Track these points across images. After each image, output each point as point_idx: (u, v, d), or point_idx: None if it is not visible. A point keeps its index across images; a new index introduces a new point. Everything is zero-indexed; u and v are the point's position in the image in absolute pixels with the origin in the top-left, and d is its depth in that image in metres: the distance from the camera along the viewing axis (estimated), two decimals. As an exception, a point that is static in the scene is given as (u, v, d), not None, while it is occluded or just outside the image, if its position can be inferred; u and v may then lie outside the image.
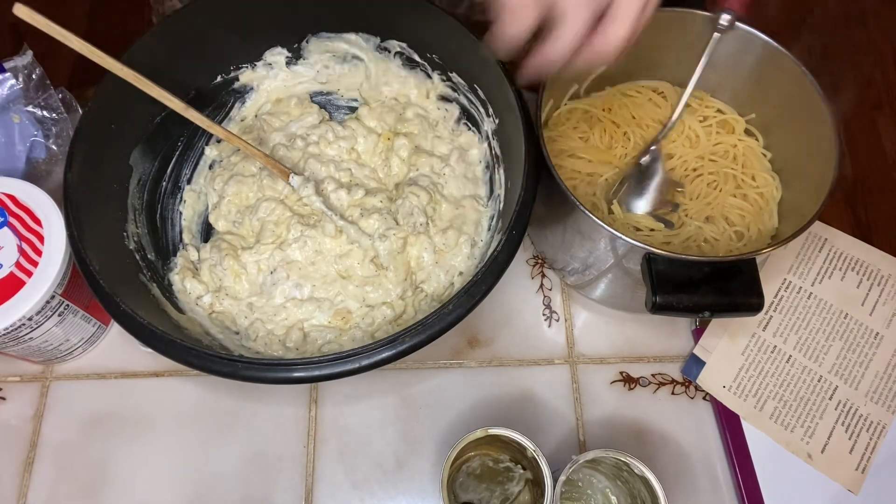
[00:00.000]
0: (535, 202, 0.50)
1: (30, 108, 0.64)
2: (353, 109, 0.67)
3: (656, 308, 0.47)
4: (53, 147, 0.64)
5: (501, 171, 0.60)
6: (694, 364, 0.59)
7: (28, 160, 0.63)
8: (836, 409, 0.57)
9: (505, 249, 0.48)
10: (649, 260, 0.48)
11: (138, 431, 0.57)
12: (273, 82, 0.67)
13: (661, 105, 0.63)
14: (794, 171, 0.58)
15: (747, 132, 0.62)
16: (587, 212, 0.48)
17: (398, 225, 0.58)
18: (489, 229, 0.60)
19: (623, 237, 0.48)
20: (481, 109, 0.61)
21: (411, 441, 0.57)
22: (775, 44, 0.55)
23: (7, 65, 0.63)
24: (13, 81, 0.63)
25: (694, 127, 0.61)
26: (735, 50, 0.58)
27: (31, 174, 0.63)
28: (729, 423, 0.57)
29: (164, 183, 0.62)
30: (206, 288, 0.57)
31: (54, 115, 0.65)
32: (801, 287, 0.62)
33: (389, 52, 0.64)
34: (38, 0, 0.46)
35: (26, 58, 0.64)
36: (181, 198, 0.63)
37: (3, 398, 0.58)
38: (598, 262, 0.54)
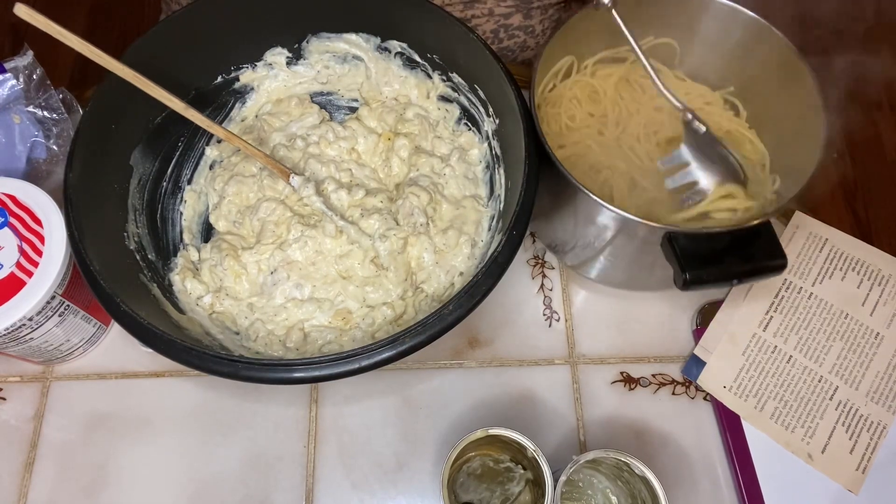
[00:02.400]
0: (542, 197, 0.50)
1: (30, 109, 0.64)
2: (354, 110, 0.67)
3: (688, 284, 0.47)
4: (54, 147, 0.64)
5: (502, 171, 0.60)
6: (694, 364, 0.59)
7: (29, 160, 0.63)
8: (836, 409, 0.57)
9: (505, 250, 0.48)
10: (670, 238, 0.47)
11: (138, 431, 0.57)
12: (273, 82, 0.67)
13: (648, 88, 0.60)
14: (780, 145, 0.57)
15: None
16: (593, 195, 0.47)
17: (398, 225, 0.58)
18: (490, 229, 0.60)
19: (637, 219, 0.46)
20: (481, 110, 0.61)
21: (411, 441, 0.57)
22: (761, 19, 0.54)
23: (7, 65, 0.63)
24: (13, 82, 0.63)
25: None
26: (720, 27, 0.57)
27: (32, 174, 0.63)
28: (729, 424, 0.57)
29: (165, 183, 0.62)
30: (206, 288, 0.57)
31: (55, 115, 0.65)
32: (801, 287, 0.62)
33: (390, 52, 0.64)
34: (38, 0, 0.46)
35: (26, 58, 0.64)
36: (181, 198, 0.63)
37: (4, 398, 0.58)
38: (614, 248, 0.53)
